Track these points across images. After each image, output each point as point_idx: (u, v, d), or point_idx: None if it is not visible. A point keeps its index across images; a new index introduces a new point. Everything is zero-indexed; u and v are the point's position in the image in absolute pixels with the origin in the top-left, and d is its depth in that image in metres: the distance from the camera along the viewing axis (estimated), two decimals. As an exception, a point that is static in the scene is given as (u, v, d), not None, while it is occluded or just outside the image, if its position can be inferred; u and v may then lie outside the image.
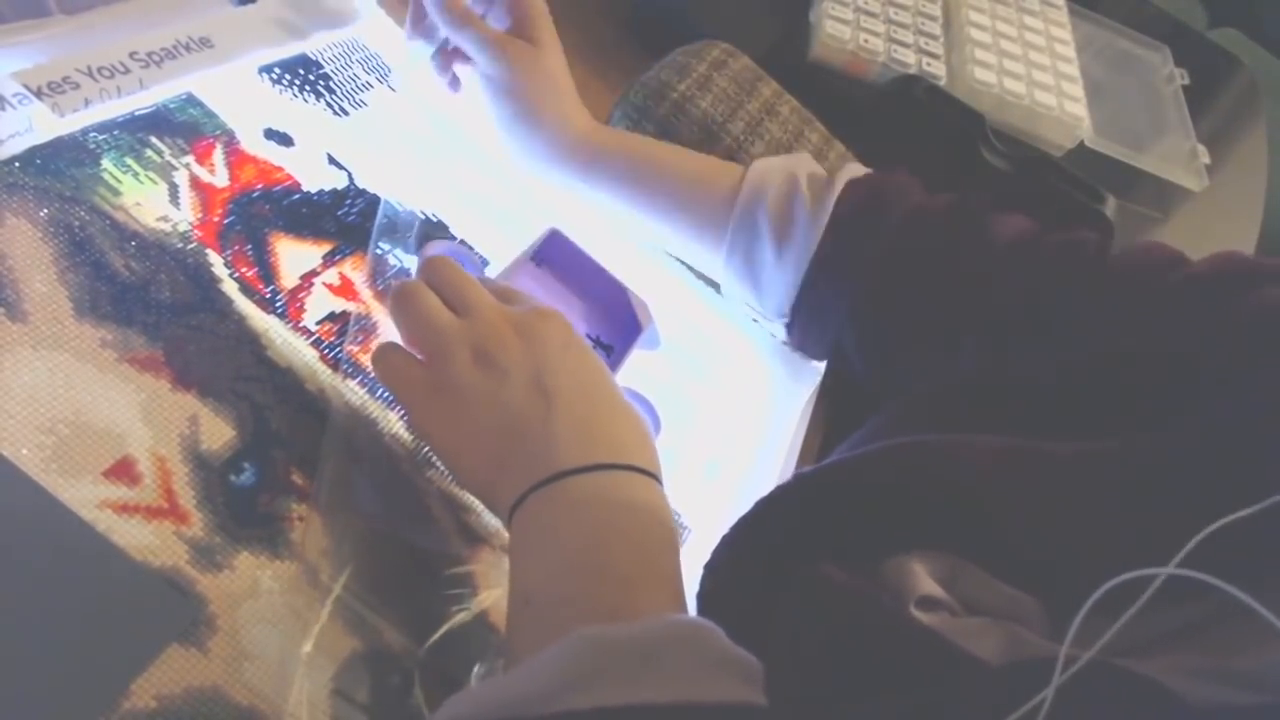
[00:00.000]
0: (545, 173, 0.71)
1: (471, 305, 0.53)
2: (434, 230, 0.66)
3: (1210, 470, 0.48)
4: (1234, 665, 0.38)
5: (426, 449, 0.55)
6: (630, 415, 0.53)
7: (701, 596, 0.53)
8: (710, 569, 0.54)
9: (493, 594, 0.52)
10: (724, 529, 0.64)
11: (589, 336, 0.64)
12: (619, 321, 0.66)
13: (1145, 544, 0.47)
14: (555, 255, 0.64)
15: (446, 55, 0.70)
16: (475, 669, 0.49)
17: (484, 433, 0.49)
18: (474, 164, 0.73)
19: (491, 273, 0.63)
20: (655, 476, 0.52)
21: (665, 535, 0.50)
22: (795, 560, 0.49)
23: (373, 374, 0.55)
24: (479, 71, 0.68)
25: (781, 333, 0.73)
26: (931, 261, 0.65)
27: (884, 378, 0.69)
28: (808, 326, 0.69)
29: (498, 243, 0.68)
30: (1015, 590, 0.48)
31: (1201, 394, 0.52)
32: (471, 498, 0.55)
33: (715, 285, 0.78)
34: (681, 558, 0.61)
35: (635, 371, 0.66)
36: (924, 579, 0.49)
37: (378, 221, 0.63)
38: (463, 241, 0.67)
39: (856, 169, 0.70)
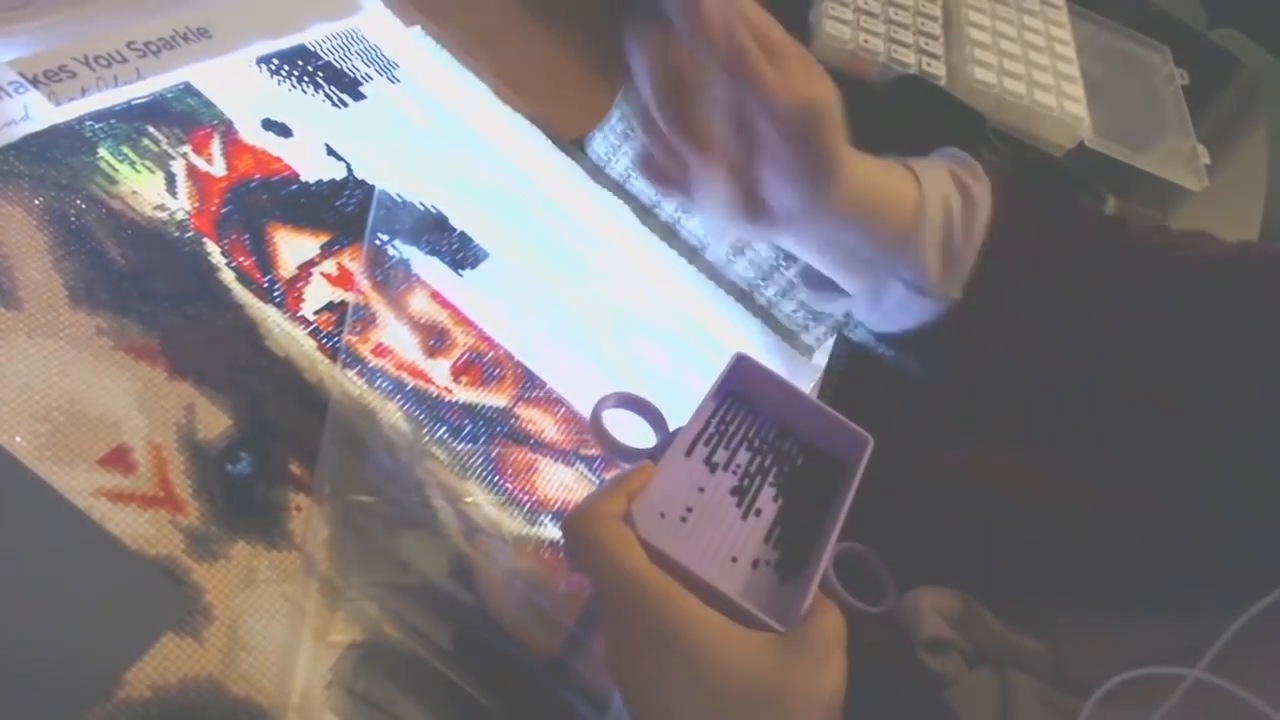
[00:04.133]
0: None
1: None
2: (432, 221, 0.65)
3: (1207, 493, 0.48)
4: None
5: (425, 438, 0.54)
6: None
7: None
8: None
9: (491, 582, 0.51)
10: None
11: (806, 442, 0.53)
12: (834, 441, 0.53)
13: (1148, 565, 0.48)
14: (743, 386, 0.54)
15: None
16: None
17: None
18: (473, 155, 0.72)
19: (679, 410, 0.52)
20: None
21: None
22: None
23: (371, 364, 0.55)
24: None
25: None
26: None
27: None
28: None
29: (496, 233, 0.67)
30: (1020, 637, 0.48)
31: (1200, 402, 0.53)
32: (471, 486, 0.54)
33: (716, 280, 0.78)
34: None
35: (634, 366, 0.66)
36: (932, 619, 0.49)
37: (374, 212, 0.62)
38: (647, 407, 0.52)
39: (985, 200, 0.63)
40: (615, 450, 0.50)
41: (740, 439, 0.52)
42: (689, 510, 0.47)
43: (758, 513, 0.48)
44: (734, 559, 0.46)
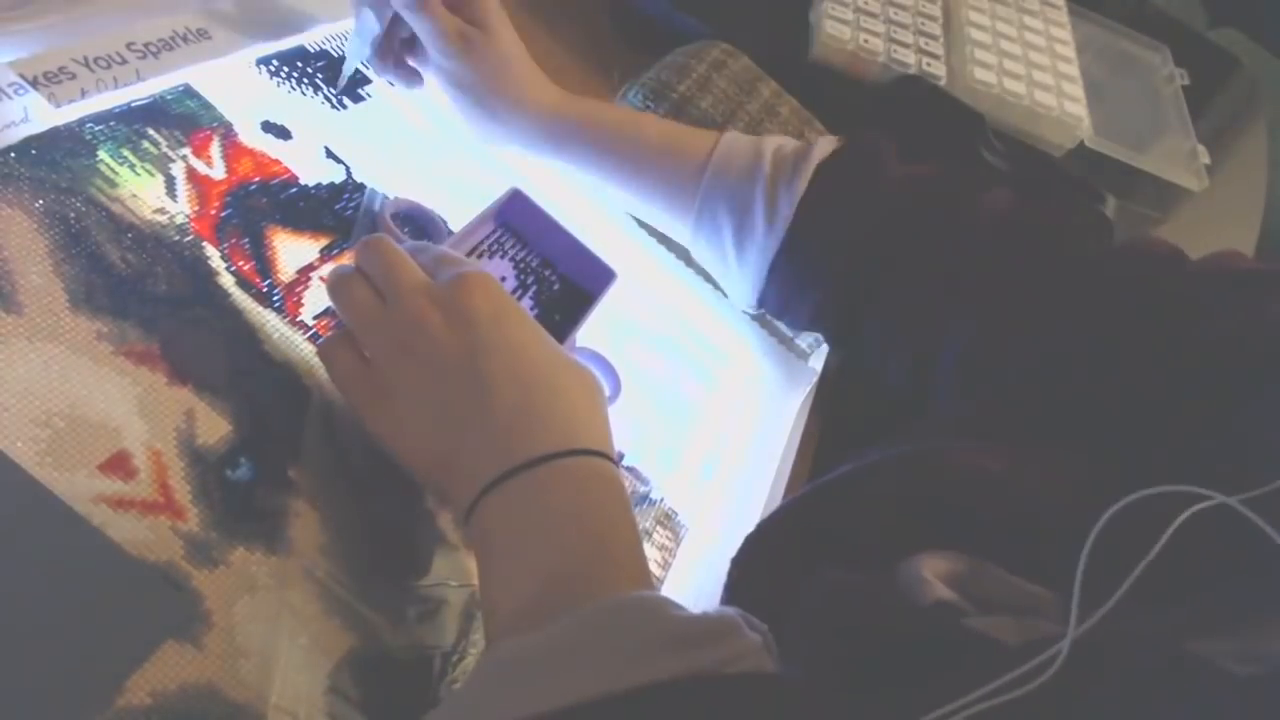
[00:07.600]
0: (515, 152, 0.71)
1: (394, 289, 0.49)
2: (432, 221, 0.65)
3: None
4: (1261, 648, 0.37)
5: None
6: (574, 386, 0.50)
7: (728, 586, 0.54)
8: (736, 561, 0.55)
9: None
10: (721, 527, 0.64)
11: (564, 274, 0.64)
12: (587, 275, 0.64)
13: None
14: (516, 217, 0.63)
15: (389, 47, 0.67)
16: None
17: (425, 433, 0.47)
18: (472, 157, 0.72)
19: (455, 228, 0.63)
20: (605, 454, 0.48)
21: (620, 521, 0.47)
22: (810, 562, 0.49)
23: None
24: (431, 63, 0.67)
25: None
26: (914, 239, 0.64)
27: (865, 355, 0.70)
28: (784, 298, 0.69)
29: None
30: (1034, 586, 0.47)
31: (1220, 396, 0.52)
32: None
33: (714, 285, 0.78)
34: (678, 556, 0.61)
35: (633, 366, 0.66)
36: (934, 584, 0.48)
37: (362, 211, 0.62)
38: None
39: (831, 141, 0.69)
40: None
41: (509, 259, 0.62)
42: None
43: None
44: None
